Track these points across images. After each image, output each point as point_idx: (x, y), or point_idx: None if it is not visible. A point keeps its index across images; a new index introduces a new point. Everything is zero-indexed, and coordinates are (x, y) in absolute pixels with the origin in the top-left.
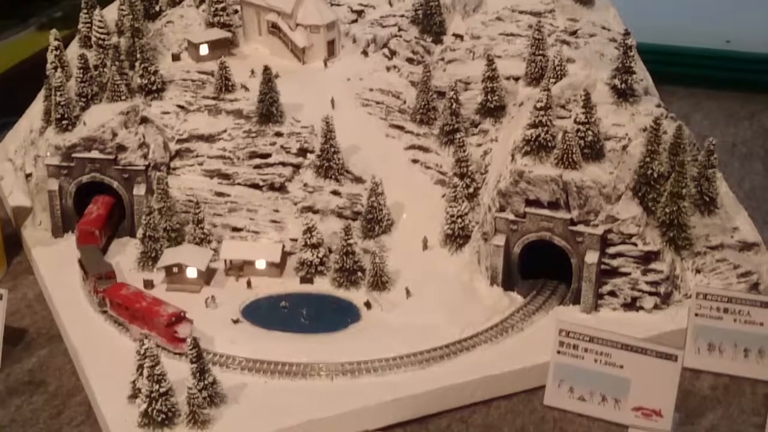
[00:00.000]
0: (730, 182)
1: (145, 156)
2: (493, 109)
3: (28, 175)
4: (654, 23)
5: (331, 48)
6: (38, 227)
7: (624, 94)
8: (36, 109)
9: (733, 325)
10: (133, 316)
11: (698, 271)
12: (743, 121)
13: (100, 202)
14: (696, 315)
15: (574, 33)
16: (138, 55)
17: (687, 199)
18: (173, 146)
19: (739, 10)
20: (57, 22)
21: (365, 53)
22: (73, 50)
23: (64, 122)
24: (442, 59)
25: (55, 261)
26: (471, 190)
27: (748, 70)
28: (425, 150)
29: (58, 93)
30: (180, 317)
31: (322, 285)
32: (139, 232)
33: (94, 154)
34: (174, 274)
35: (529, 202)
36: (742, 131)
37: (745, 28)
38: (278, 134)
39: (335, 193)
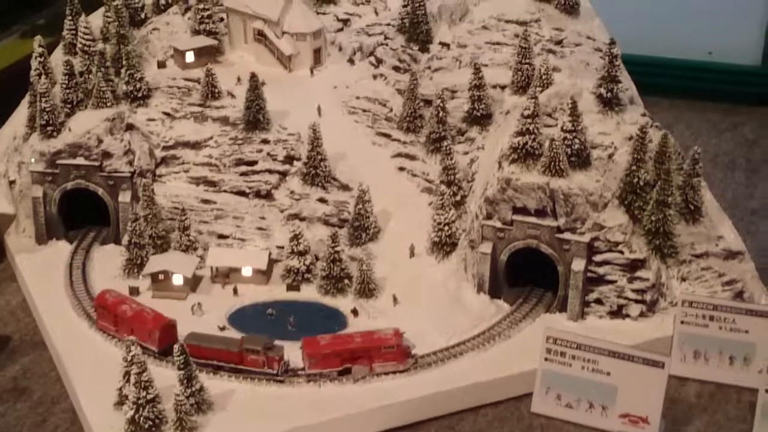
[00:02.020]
0: (712, 192)
1: (130, 163)
2: (480, 118)
3: (12, 182)
4: (636, 35)
5: (318, 56)
6: (22, 234)
7: (609, 102)
8: (20, 116)
9: (718, 333)
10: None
11: (684, 279)
12: (725, 132)
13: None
14: (682, 323)
15: (559, 42)
16: (124, 62)
17: (672, 207)
18: (159, 153)
19: (721, 22)
20: (40, 29)
21: (351, 61)
22: (58, 57)
23: (49, 129)
24: (429, 68)
25: (39, 268)
26: (458, 197)
27: (729, 82)
28: (412, 158)
29: (43, 99)
30: None
31: (309, 292)
32: (125, 239)
33: (79, 160)
34: (160, 281)
35: (516, 210)
36: (725, 142)
37: (727, 40)
38: (265, 141)
39: (322, 200)
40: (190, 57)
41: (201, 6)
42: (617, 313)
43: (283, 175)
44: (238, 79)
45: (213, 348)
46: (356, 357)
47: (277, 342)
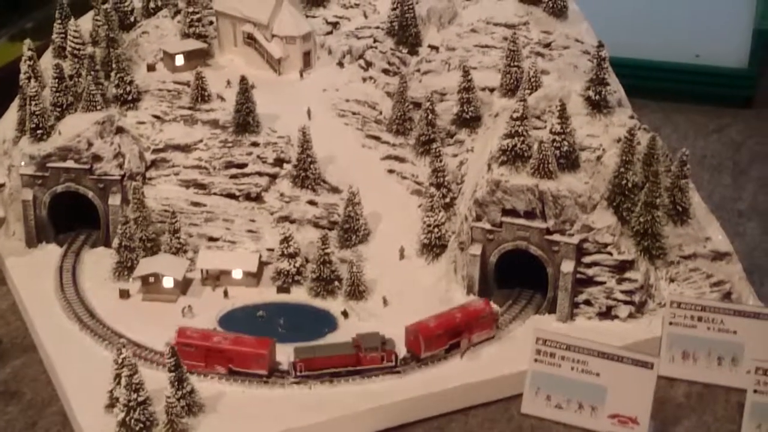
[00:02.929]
0: (700, 194)
1: (120, 166)
2: (469, 120)
3: (2, 185)
4: (624, 38)
5: (307, 59)
6: (12, 237)
7: (598, 105)
8: (8, 119)
9: (706, 334)
10: None
11: (672, 281)
12: (712, 135)
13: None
14: (670, 324)
15: (548, 45)
16: (113, 65)
17: (661, 209)
18: (149, 156)
19: (708, 25)
20: (29, 33)
21: (341, 64)
22: (47, 60)
23: (39, 132)
24: (418, 70)
25: (29, 271)
26: (447, 200)
27: (717, 84)
28: (401, 160)
29: (33, 103)
30: None
31: (299, 294)
32: (115, 242)
33: (69, 163)
34: (150, 284)
35: (505, 212)
36: (711, 144)
37: (714, 42)
38: (254, 144)
39: (312, 203)
40: (179, 60)
41: (190, 9)
42: (606, 314)
43: (273, 177)
44: (228, 83)
45: (327, 357)
46: (459, 332)
47: None
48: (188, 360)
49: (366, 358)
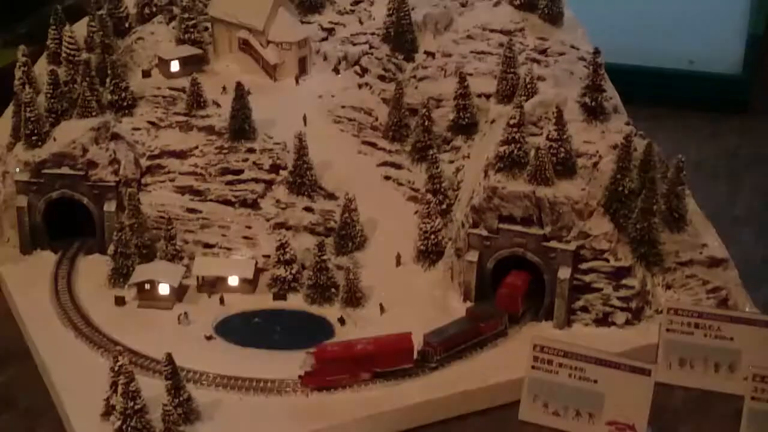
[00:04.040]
0: (696, 200)
1: (115, 172)
2: (465, 127)
3: None
4: (619, 43)
5: (303, 65)
6: (6, 244)
7: (594, 111)
8: (2, 125)
9: (703, 340)
10: None
11: (668, 287)
12: (707, 141)
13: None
14: (667, 330)
15: (543, 51)
16: (109, 71)
17: (657, 215)
18: (144, 162)
19: (702, 30)
20: (22, 39)
21: (337, 70)
22: (41, 66)
23: (34, 138)
24: (414, 77)
25: (23, 278)
26: (444, 206)
27: (711, 90)
28: (398, 167)
29: (28, 109)
30: None
31: (296, 301)
32: (110, 249)
33: (64, 170)
34: (146, 291)
35: (502, 218)
36: (706, 150)
37: (708, 48)
38: (250, 151)
39: (308, 209)
40: (175, 66)
41: (186, 15)
42: (603, 320)
43: (269, 184)
44: (224, 89)
45: (457, 334)
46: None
47: (265, 351)
48: (331, 376)
49: (485, 327)
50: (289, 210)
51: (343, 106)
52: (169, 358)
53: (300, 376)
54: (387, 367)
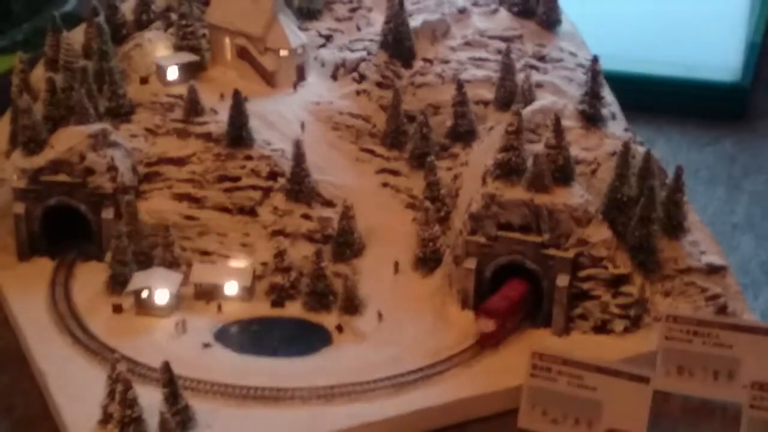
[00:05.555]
0: (694, 207)
1: (113, 179)
2: (463, 134)
3: None
4: (617, 50)
5: (301, 72)
6: (4, 251)
7: (592, 118)
8: (0, 132)
9: (702, 348)
10: None
11: (667, 295)
12: (706, 147)
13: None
14: (666, 338)
15: (542, 58)
16: (106, 78)
17: (656, 223)
18: (142, 169)
19: (701, 37)
20: (19, 46)
21: (334, 77)
22: (38, 73)
23: (31, 145)
24: (412, 83)
25: (20, 285)
26: (442, 213)
27: (710, 97)
28: (395, 174)
29: (25, 116)
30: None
31: (294, 309)
32: (108, 256)
33: (62, 177)
34: (143, 298)
35: (500, 226)
36: (705, 157)
37: (707, 55)
38: (248, 158)
39: (306, 216)
40: (172, 73)
41: (183, 22)
42: (601, 328)
43: (267, 191)
44: (221, 95)
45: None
46: None
47: (263, 359)
48: (505, 329)
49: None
50: (287, 217)
51: (340, 113)
52: (167, 366)
53: (478, 342)
54: (529, 307)
